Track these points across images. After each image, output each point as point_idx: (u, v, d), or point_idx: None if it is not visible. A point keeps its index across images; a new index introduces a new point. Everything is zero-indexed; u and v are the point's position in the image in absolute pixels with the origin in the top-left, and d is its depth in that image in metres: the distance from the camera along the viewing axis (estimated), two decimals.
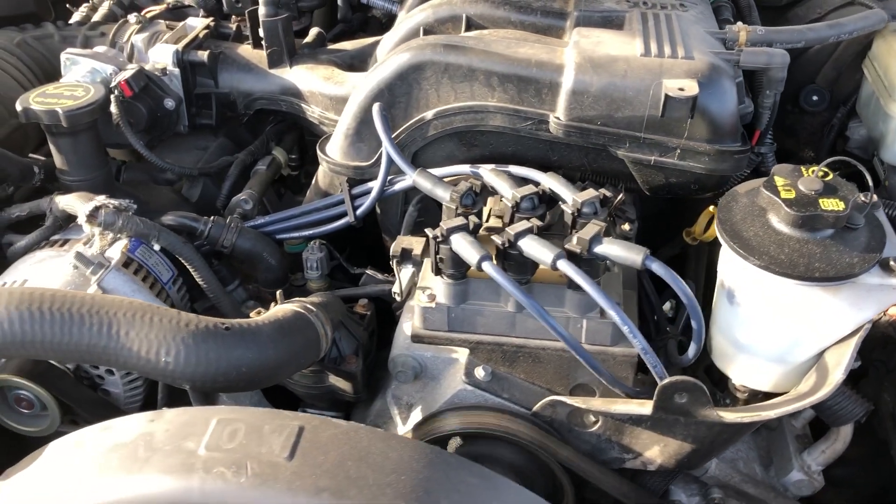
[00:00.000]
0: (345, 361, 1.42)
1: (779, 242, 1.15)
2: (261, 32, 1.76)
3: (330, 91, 1.70)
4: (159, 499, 1.00)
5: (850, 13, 1.82)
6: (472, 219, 1.28)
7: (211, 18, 1.88)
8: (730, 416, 1.18)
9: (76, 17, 2.01)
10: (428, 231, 1.24)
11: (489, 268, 1.18)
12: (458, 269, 1.26)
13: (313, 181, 1.67)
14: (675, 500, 1.44)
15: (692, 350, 1.26)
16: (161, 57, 1.70)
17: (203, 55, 1.73)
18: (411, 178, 1.37)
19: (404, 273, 1.44)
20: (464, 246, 1.21)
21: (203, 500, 0.99)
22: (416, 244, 1.43)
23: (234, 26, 1.89)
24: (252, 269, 1.56)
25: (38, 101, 1.45)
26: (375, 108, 1.45)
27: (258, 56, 1.79)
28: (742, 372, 1.29)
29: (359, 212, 1.55)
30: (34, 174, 1.55)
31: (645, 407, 1.22)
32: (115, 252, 1.39)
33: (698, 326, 1.21)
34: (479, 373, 1.34)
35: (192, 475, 1.00)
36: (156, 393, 1.41)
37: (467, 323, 1.33)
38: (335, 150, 1.59)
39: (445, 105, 1.48)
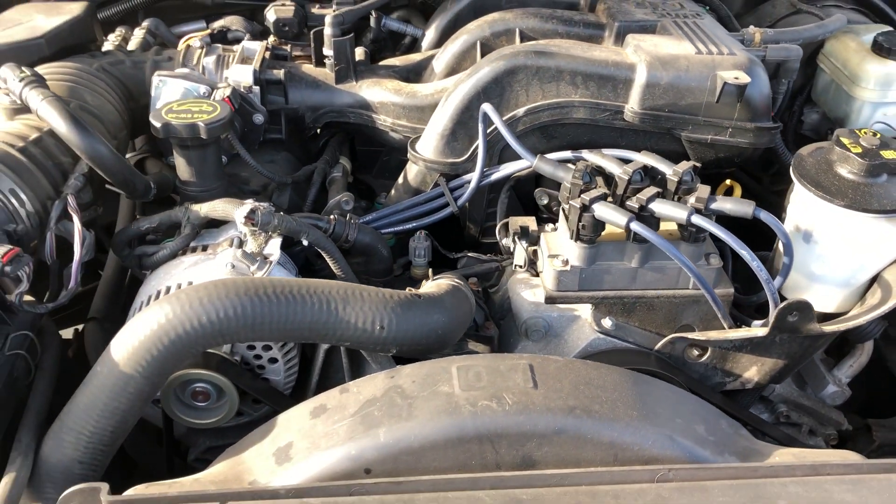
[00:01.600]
0: (482, 328, 1.60)
1: (853, 187, 1.47)
2: (325, 51, 1.92)
3: (402, 101, 1.89)
4: (437, 435, 1.15)
5: (798, 21, 2.24)
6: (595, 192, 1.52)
7: (271, 40, 2.01)
8: (830, 327, 1.48)
9: (107, 46, 2.06)
10: (573, 203, 1.46)
11: (638, 226, 1.42)
12: (594, 234, 1.49)
13: (401, 180, 1.85)
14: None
15: (778, 281, 1.55)
16: (241, 76, 1.82)
17: (279, 73, 1.87)
18: (532, 164, 1.59)
19: (519, 248, 1.65)
20: (608, 212, 1.44)
21: (477, 430, 1.16)
22: (529, 222, 1.65)
23: (288, 48, 2.02)
24: (367, 262, 1.71)
25: (172, 117, 1.55)
26: (488, 107, 1.66)
27: (322, 73, 1.94)
28: (814, 299, 1.60)
29: (459, 202, 1.75)
30: (150, 189, 1.63)
31: (761, 330, 1.50)
32: (275, 249, 1.51)
33: (790, 262, 1.51)
34: (607, 322, 1.57)
35: (460, 411, 1.17)
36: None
37: (595, 281, 1.55)
38: (429, 150, 1.78)
39: (534, 103, 1.72)
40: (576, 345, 1.58)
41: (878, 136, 1.52)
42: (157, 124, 1.54)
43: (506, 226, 1.72)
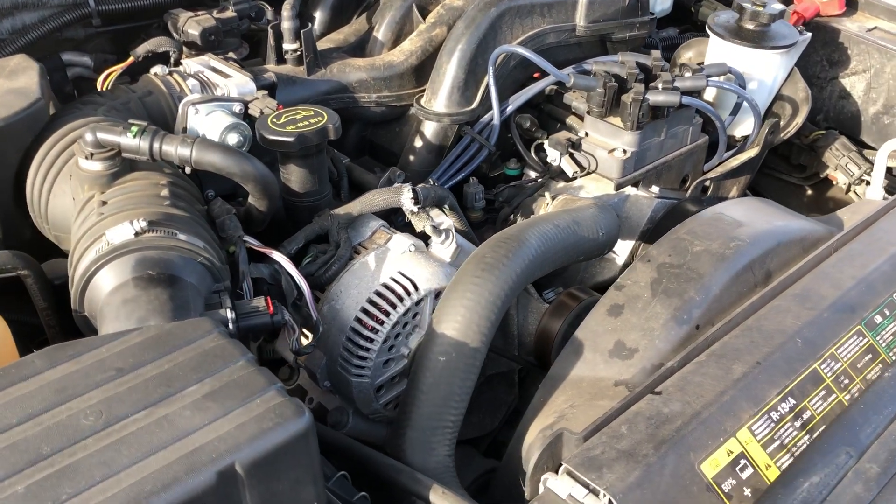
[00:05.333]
0: None
1: (760, 34, 2.04)
2: (286, 45, 1.89)
3: (381, 74, 1.96)
4: (724, 277, 1.44)
5: None
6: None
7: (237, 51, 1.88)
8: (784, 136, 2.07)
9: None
10: (634, 97, 1.78)
11: (688, 100, 1.81)
12: (645, 119, 1.83)
13: (418, 143, 1.94)
14: None
15: (730, 119, 2.08)
16: (244, 88, 1.71)
17: (271, 77, 1.80)
18: (570, 81, 1.85)
19: (566, 160, 1.92)
20: (661, 95, 1.80)
21: (742, 264, 1.47)
22: (567, 136, 1.93)
23: (233, 55, 1.91)
24: None
25: (292, 129, 1.47)
26: (508, 48, 1.86)
27: (289, 70, 1.90)
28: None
29: (493, 141, 1.93)
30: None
31: (753, 151, 2.01)
32: (444, 218, 1.57)
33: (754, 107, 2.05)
34: (655, 189, 1.95)
35: (725, 255, 1.47)
36: None
37: (641, 160, 1.91)
38: (444, 105, 1.91)
39: (518, 38, 1.96)
40: (642, 215, 1.93)
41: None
42: (289, 139, 1.46)
43: (540, 145, 1.97)
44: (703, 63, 2.20)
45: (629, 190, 1.94)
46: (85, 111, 1.54)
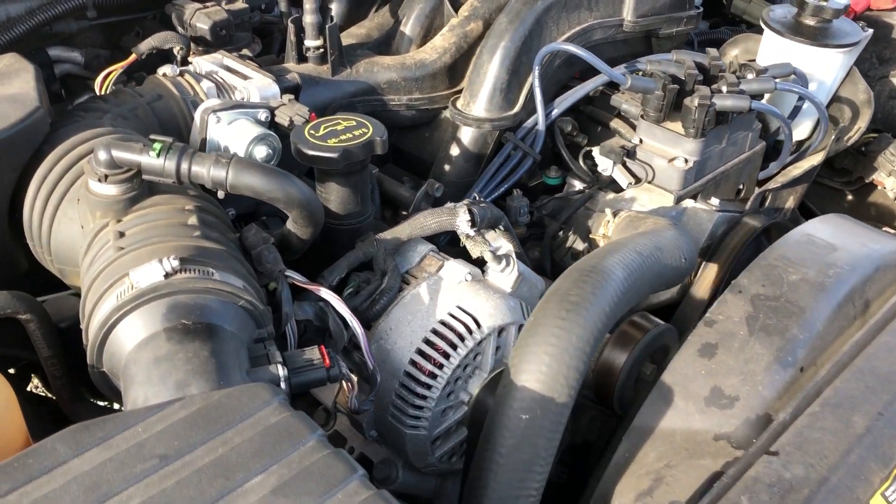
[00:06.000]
0: None
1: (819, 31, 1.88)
2: (308, 42, 1.68)
3: (413, 73, 1.76)
4: (826, 310, 1.28)
5: None
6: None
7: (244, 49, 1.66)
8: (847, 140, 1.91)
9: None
10: (699, 101, 1.61)
11: (757, 104, 1.64)
12: (710, 126, 1.66)
13: (455, 151, 1.75)
14: None
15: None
16: (267, 91, 1.50)
17: (295, 78, 1.59)
18: (626, 84, 1.66)
19: (619, 170, 1.74)
20: (728, 100, 1.63)
21: (842, 294, 1.31)
22: (621, 142, 1.75)
23: (247, 52, 1.70)
24: None
25: (334, 142, 1.27)
26: (558, 46, 1.67)
27: (311, 69, 1.70)
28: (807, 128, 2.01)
29: (537, 149, 1.75)
30: None
31: (818, 157, 1.85)
32: (503, 242, 1.38)
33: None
34: (715, 201, 1.78)
35: (825, 286, 1.30)
36: None
37: (701, 169, 1.74)
38: (484, 109, 1.72)
39: (564, 34, 1.77)
40: (702, 230, 1.75)
41: None
42: (333, 155, 1.26)
43: (588, 153, 1.79)
44: (752, 61, 2.04)
45: (687, 203, 1.76)
46: (89, 120, 1.33)
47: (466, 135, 1.76)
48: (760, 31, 2.33)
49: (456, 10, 1.87)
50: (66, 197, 1.22)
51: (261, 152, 1.39)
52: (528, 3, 1.73)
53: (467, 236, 1.38)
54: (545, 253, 1.69)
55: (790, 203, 1.97)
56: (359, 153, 1.29)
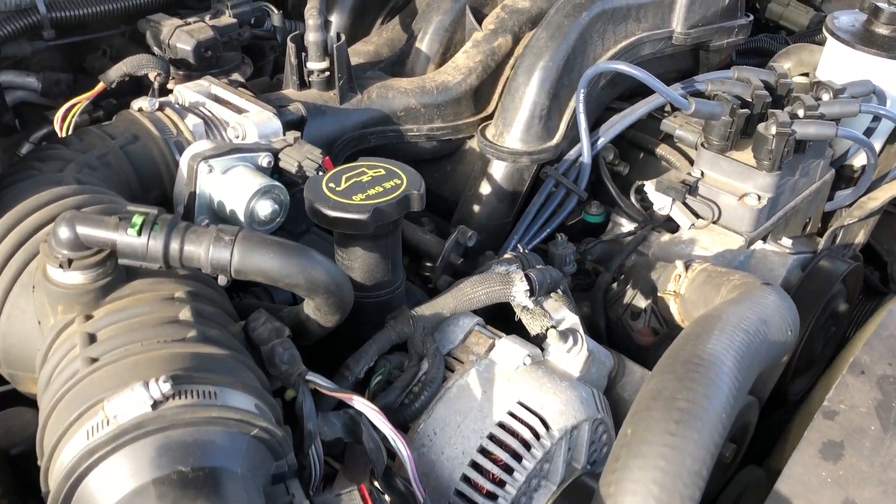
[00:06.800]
0: None
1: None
2: (311, 65, 1.41)
3: (435, 99, 1.50)
4: None
5: None
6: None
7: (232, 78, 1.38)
8: None
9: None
10: (779, 130, 1.36)
11: (847, 131, 1.40)
12: (789, 157, 1.41)
13: (486, 189, 1.49)
14: None
15: None
16: (268, 128, 1.23)
17: (299, 109, 1.32)
18: (690, 109, 1.41)
19: (678, 208, 1.49)
20: (811, 126, 1.39)
21: None
22: (680, 177, 1.49)
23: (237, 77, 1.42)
24: None
25: (361, 200, 1.00)
26: (605, 65, 1.41)
27: (316, 96, 1.42)
28: None
29: (583, 185, 1.49)
30: None
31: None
32: (565, 312, 1.12)
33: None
34: (787, 242, 1.54)
35: None
36: None
37: (773, 206, 1.49)
38: (520, 140, 1.46)
39: (610, 51, 1.52)
40: (774, 276, 1.51)
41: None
42: (362, 217, 0.99)
43: (640, 187, 1.54)
44: (805, 75, 1.80)
45: (756, 244, 1.52)
46: (46, 174, 1.05)
47: (499, 170, 1.49)
48: (813, 40, 2.11)
49: (480, 22, 1.61)
50: (17, 282, 0.94)
51: (265, 208, 1.12)
52: (570, 14, 1.46)
53: (524, 308, 1.12)
54: (598, 310, 1.43)
55: (860, 238, 1.73)
56: (392, 212, 1.02)
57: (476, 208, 1.52)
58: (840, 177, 1.74)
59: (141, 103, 1.26)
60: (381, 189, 1.04)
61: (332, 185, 1.05)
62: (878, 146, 1.77)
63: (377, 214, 1.01)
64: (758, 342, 1.04)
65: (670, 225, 1.55)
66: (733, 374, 0.96)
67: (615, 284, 1.47)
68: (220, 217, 1.14)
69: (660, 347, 1.40)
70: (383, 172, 1.08)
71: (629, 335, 1.39)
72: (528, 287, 1.09)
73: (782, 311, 1.12)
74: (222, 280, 0.87)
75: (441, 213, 1.60)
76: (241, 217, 1.11)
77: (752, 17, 1.79)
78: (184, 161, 1.13)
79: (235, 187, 1.12)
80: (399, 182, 1.06)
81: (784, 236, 1.55)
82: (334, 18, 1.74)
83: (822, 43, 2.19)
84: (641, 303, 1.41)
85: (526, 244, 1.45)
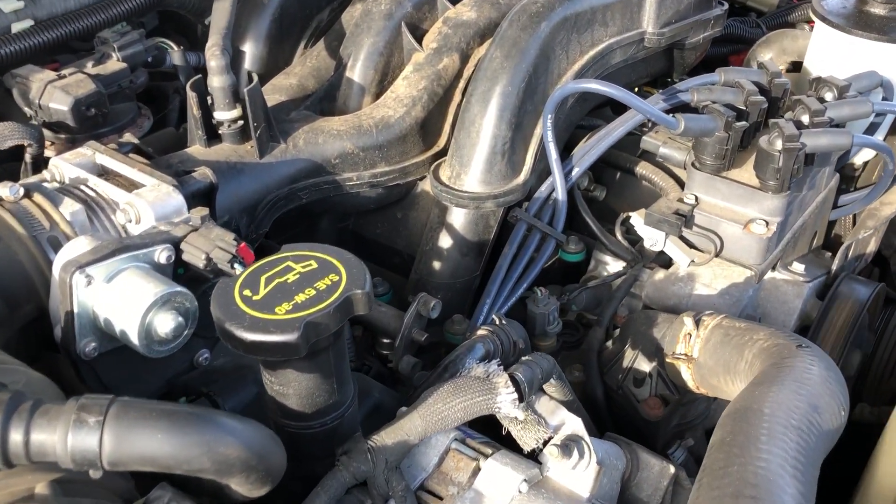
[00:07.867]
0: None
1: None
2: (218, 114, 1.15)
3: (375, 140, 1.25)
4: None
5: None
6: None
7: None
8: None
9: None
10: (787, 145, 1.14)
11: (863, 138, 1.18)
12: (798, 174, 1.20)
13: (446, 243, 1.25)
14: None
15: None
16: (170, 206, 0.97)
17: (206, 175, 1.06)
18: (679, 128, 1.18)
19: (672, 242, 1.26)
20: (824, 137, 1.17)
21: None
22: (667, 205, 1.26)
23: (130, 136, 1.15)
24: None
25: (265, 313, 0.75)
26: (574, 85, 1.18)
27: (229, 152, 1.17)
28: None
29: (560, 226, 1.26)
30: None
31: None
32: (564, 414, 0.89)
33: None
34: (799, 267, 1.32)
35: None
36: None
37: (781, 231, 1.27)
38: (483, 182, 1.23)
39: (576, 64, 1.28)
40: (789, 310, 1.30)
41: None
42: (291, 338, 0.73)
43: (626, 219, 1.31)
44: (796, 62, 1.60)
45: (777, 272, 1.31)
46: None
47: (459, 218, 1.25)
48: (786, 22, 1.91)
49: (419, 41, 1.36)
50: None
51: (165, 324, 0.86)
52: (527, 26, 1.22)
53: (514, 419, 0.88)
54: (593, 375, 1.19)
55: (871, 247, 1.53)
56: (330, 324, 0.77)
57: (437, 265, 1.27)
58: (840, 177, 1.54)
59: (2, 191, 0.99)
60: (312, 292, 0.79)
61: (247, 292, 0.80)
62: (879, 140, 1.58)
63: (310, 331, 0.75)
64: (814, 440, 0.82)
65: (662, 258, 1.33)
66: (797, 499, 0.74)
67: (609, 342, 1.24)
68: (109, 338, 0.88)
69: (671, 418, 1.18)
70: (315, 266, 0.83)
71: (634, 406, 1.16)
72: (515, 396, 0.85)
73: (831, 387, 0.90)
74: (95, 475, 0.62)
75: (395, 269, 1.36)
76: (135, 339, 0.85)
77: (726, 6, 1.58)
78: (56, 271, 0.87)
79: (124, 300, 0.86)
80: (336, 278, 0.81)
81: (794, 259, 1.34)
82: (248, 47, 1.48)
83: (795, 25, 2.01)
84: (644, 366, 1.18)
85: (501, 305, 1.21)
